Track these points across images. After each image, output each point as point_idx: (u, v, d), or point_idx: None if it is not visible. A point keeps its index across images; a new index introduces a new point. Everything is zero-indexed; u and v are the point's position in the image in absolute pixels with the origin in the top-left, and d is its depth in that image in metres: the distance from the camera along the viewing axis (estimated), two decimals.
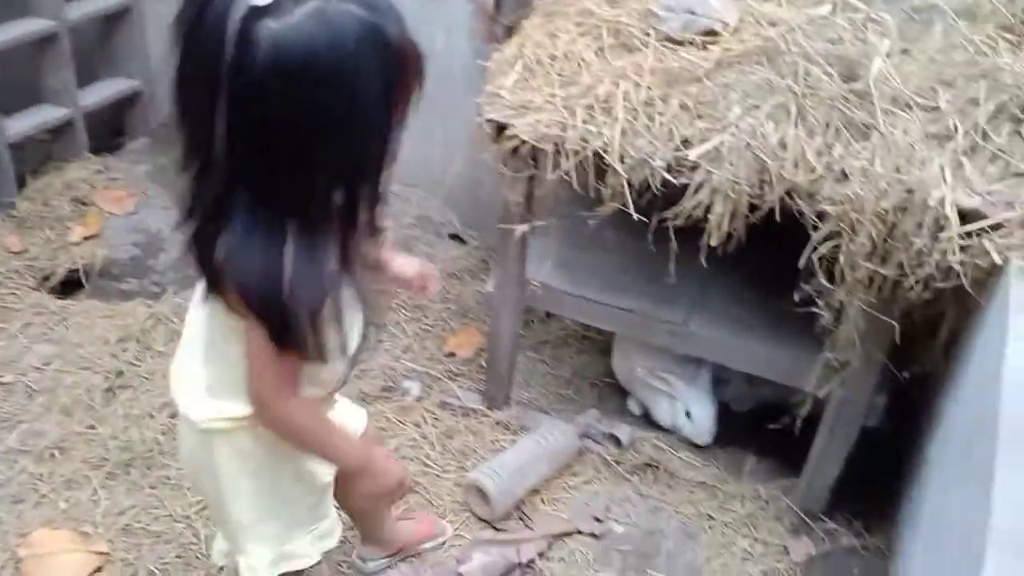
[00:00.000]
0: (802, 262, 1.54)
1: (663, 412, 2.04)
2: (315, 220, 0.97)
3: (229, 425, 1.19)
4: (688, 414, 2.00)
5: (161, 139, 2.94)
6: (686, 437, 2.03)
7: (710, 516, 1.87)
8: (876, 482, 1.88)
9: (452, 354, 2.27)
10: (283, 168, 0.94)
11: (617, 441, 2.00)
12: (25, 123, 2.54)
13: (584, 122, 1.68)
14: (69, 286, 2.39)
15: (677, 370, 1.99)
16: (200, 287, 1.10)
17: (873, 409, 1.74)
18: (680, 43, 1.79)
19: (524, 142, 1.70)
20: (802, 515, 1.86)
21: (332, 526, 1.38)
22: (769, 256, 1.82)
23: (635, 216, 1.61)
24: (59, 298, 2.33)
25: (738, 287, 1.94)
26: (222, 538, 1.47)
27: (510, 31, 2.42)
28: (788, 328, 1.76)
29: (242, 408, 1.15)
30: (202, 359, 1.19)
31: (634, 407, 2.14)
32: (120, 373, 2.12)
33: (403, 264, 1.41)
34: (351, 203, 0.99)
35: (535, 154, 1.74)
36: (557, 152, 1.69)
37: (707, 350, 1.90)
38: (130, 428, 1.97)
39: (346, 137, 0.94)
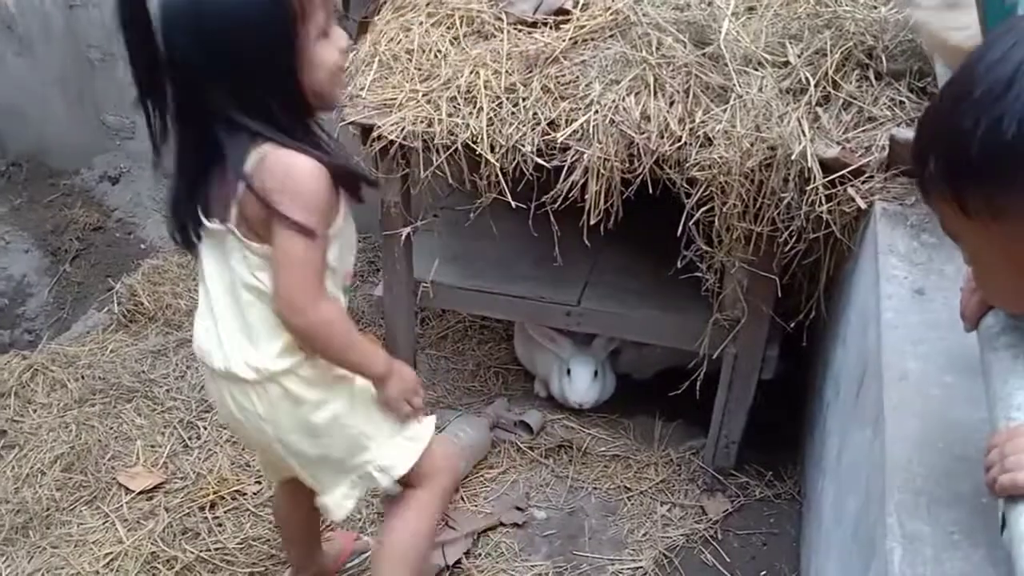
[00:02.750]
0: (680, 229, 1.56)
1: (554, 379, 2.04)
2: (279, 117, 1.15)
3: (284, 366, 1.24)
4: (569, 372, 2.00)
5: (14, 179, 2.78)
6: (567, 400, 2.02)
7: (627, 488, 1.90)
8: (780, 432, 1.94)
9: None
10: (236, 93, 1.13)
11: (528, 427, 2.01)
12: None
13: (450, 115, 1.66)
14: None
15: (569, 333, 1.99)
16: (206, 249, 1.24)
17: (767, 362, 1.79)
18: (533, 25, 1.78)
19: (392, 142, 1.67)
20: (714, 473, 1.90)
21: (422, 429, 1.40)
22: (653, 226, 1.84)
23: (513, 204, 1.61)
24: None
25: (626, 261, 1.96)
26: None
27: (363, 28, 2.38)
28: (678, 295, 1.78)
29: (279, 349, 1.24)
30: (234, 307, 1.24)
31: (540, 390, 2.15)
32: (3, 432, 2.00)
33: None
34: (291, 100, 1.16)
35: (405, 153, 1.71)
36: (427, 148, 1.66)
37: (603, 326, 1.92)
38: (21, 488, 1.87)
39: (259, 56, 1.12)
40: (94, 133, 2.92)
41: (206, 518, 1.83)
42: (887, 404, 1.07)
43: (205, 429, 2.04)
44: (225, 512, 1.85)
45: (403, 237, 1.82)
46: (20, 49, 2.87)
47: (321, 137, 1.22)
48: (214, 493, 1.87)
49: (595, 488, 1.90)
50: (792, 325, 1.74)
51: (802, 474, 1.85)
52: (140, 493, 1.88)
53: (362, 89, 1.75)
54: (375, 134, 1.67)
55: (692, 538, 1.78)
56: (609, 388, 2.04)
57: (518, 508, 1.85)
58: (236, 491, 1.89)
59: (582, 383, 1.99)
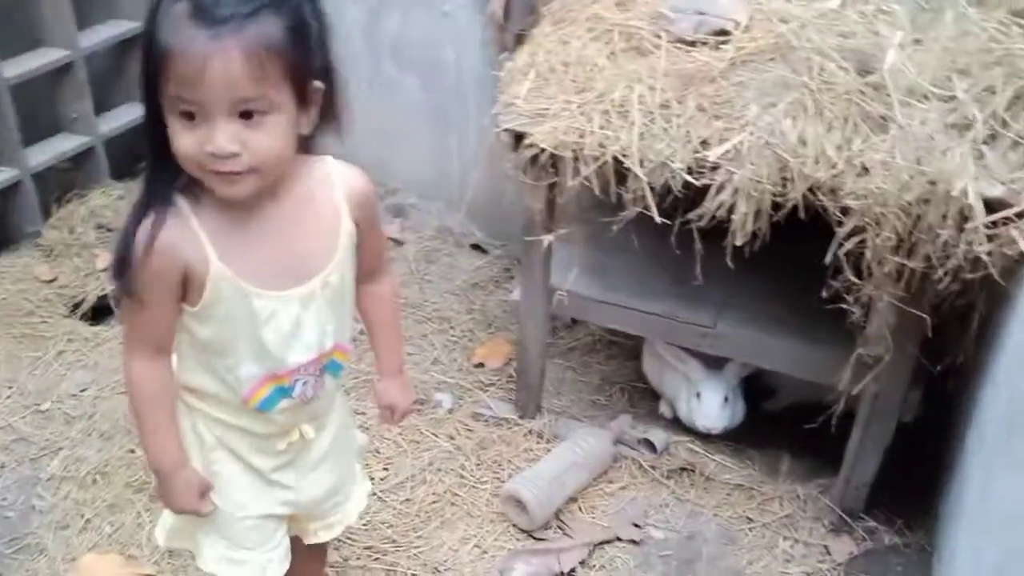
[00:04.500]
0: (828, 258, 1.53)
1: (681, 401, 2.02)
2: (147, 179, 1.10)
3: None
4: (698, 395, 1.97)
5: None
6: (695, 424, 1.99)
7: (749, 518, 1.86)
8: (915, 477, 1.87)
9: (481, 365, 2.28)
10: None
11: (651, 446, 2.00)
12: (47, 153, 2.57)
13: (601, 127, 1.68)
14: (100, 312, 2.41)
15: (700, 356, 1.97)
16: None
17: (908, 404, 1.72)
18: (692, 44, 1.78)
19: (543, 150, 1.71)
20: (842, 514, 1.84)
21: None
22: (796, 253, 1.81)
23: (658, 219, 1.61)
24: (91, 324, 2.37)
25: (766, 285, 1.93)
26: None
27: (520, 39, 2.43)
28: (818, 325, 1.74)
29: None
30: None
31: (665, 410, 2.13)
32: None
33: (386, 389, 1.41)
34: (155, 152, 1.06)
35: (554, 162, 1.74)
36: (576, 159, 1.69)
37: (737, 350, 1.89)
38: None
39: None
40: None
41: None
42: None
43: None
44: None
45: (544, 244, 1.85)
46: None
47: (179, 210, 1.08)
48: None
49: (715, 515, 1.87)
50: (939, 367, 1.68)
51: (936, 524, 1.77)
52: None
53: (517, 98, 1.79)
54: (527, 142, 1.71)
55: None
56: (738, 415, 2.00)
57: (635, 525, 1.84)
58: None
59: (712, 407, 1.96)
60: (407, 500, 1.89)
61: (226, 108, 0.98)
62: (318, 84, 1.06)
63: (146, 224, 1.06)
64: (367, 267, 1.25)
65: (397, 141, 2.86)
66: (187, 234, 1.08)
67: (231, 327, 1.13)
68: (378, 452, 2.01)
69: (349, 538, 1.79)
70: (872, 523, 1.84)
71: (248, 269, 1.10)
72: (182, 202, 1.08)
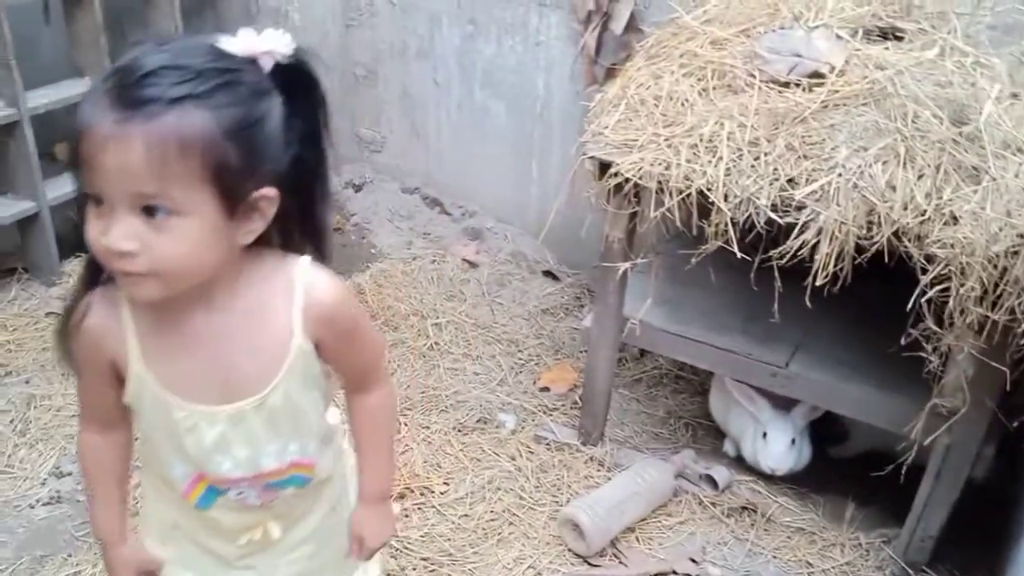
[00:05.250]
0: (910, 305, 1.52)
1: (747, 440, 2.01)
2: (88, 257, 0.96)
3: None
4: (764, 435, 1.96)
5: None
6: (759, 464, 1.98)
7: (809, 563, 1.84)
8: (981, 534, 1.82)
9: (546, 389, 2.30)
10: None
11: (713, 482, 1.99)
12: (65, 187, 2.46)
13: (688, 161, 1.70)
14: None
15: (769, 395, 1.96)
16: None
17: (981, 459, 1.69)
18: (786, 85, 1.79)
19: (628, 180, 1.73)
20: (905, 566, 1.80)
21: None
22: (874, 297, 1.80)
23: (739, 254, 1.62)
24: None
25: (842, 328, 1.92)
26: None
27: (610, 73, 2.48)
28: (894, 372, 1.73)
29: None
30: None
31: (730, 449, 2.12)
32: None
33: (361, 519, 1.20)
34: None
35: (638, 192, 1.77)
36: (660, 190, 1.71)
37: (809, 393, 1.88)
38: None
39: None
40: (347, 144, 3.19)
41: (395, 507, 1.93)
42: None
43: (406, 426, 2.16)
44: (413, 505, 1.94)
45: (620, 272, 1.87)
46: None
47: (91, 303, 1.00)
48: (404, 486, 1.98)
49: (775, 556, 1.85)
50: (1016, 423, 1.65)
51: None
52: None
53: (606, 127, 1.83)
54: (612, 170, 1.74)
55: None
56: (804, 459, 1.98)
57: (692, 560, 1.83)
58: (425, 488, 1.98)
59: (778, 448, 1.95)
60: (465, 515, 1.91)
61: (126, 200, 0.86)
62: (266, 192, 0.92)
63: (84, 303, 1.00)
64: (351, 380, 1.13)
65: (480, 165, 2.92)
66: (115, 325, 0.99)
67: (154, 427, 1.05)
68: (439, 467, 2.04)
69: (407, 548, 1.82)
70: None
71: (172, 376, 1.00)
72: (120, 292, 0.98)
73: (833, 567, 1.83)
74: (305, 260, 1.01)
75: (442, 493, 1.97)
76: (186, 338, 0.99)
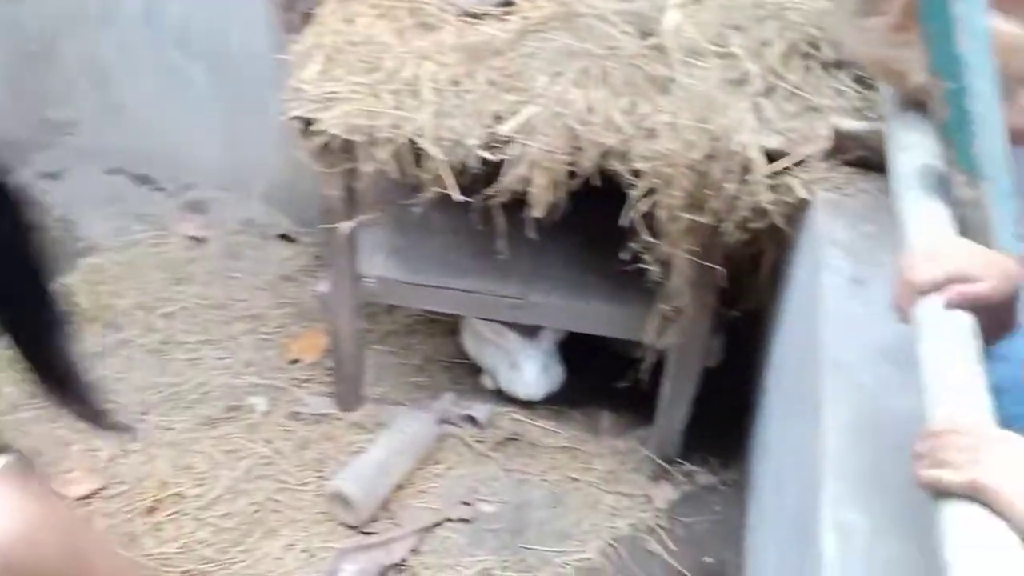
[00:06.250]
0: (624, 221, 1.57)
1: (501, 372, 2.04)
2: None
3: None
4: (517, 365, 1.99)
5: None
6: (516, 393, 2.02)
7: (574, 479, 1.90)
8: (728, 419, 1.96)
9: (296, 360, 2.19)
10: None
11: (475, 421, 2.00)
12: None
13: (394, 108, 1.64)
14: None
15: (515, 325, 1.98)
16: None
17: (711, 351, 1.80)
18: (479, 17, 1.76)
19: (334, 136, 1.65)
20: (660, 462, 1.91)
21: None
22: (599, 219, 1.84)
23: (457, 198, 1.59)
24: None
25: (573, 254, 1.95)
26: None
27: (307, 20, 2.34)
28: (625, 286, 1.79)
29: None
30: None
31: (488, 382, 2.14)
32: None
33: None
34: None
35: (348, 146, 1.69)
36: (370, 142, 1.64)
37: (550, 318, 1.92)
38: None
39: None
40: (35, 130, 2.83)
41: (147, 523, 1.80)
42: (823, 394, 1.08)
43: (146, 431, 1.99)
44: (166, 517, 1.81)
45: (345, 232, 1.80)
46: None
47: None
48: (154, 498, 1.83)
49: (543, 480, 1.90)
50: (737, 314, 1.76)
51: (747, 462, 1.87)
52: (78, 499, 1.82)
53: (304, 82, 1.72)
54: (316, 128, 1.65)
55: (638, 527, 1.80)
56: (558, 380, 2.03)
57: (465, 503, 1.84)
58: (177, 494, 1.85)
59: (531, 375, 1.98)
60: (226, 515, 1.80)
61: None
62: None
63: None
64: None
65: (189, 132, 2.69)
66: None
67: None
68: (190, 468, 1.90)
69: (166, 565, 1.69)
70: (690, 467, 1.92)
71: None
72: None
73: (597, 477, 1.90)
74: None
75: (197, 496, 1.84)
76: None
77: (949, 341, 0.83)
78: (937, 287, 0.86)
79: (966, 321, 0.85)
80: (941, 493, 0.73)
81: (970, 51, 0.97)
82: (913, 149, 1.10)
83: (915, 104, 1.16)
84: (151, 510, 1.81)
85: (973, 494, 0.71)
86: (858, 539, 0.92)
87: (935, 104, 1.08)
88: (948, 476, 0.72)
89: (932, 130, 1.14)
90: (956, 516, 0.72)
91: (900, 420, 1.01)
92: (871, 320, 1.16)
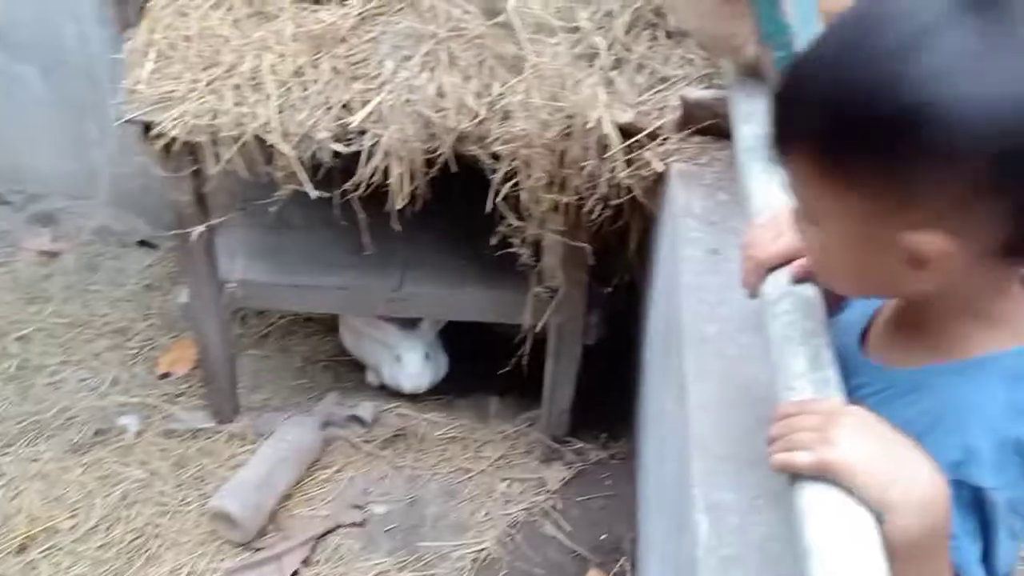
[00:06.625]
0: (490, 206, 1.53)
1: (384, 367, 1.99)
2: None
3: None
4: (399, 358, 1.95)
5: None
6: (401, 387, 1.98)
7: (466, 469, 1.87)
8: (614, 394, 1.96)
9: (167, 374, 2.09)
10: None
11: (361, 420, 1.95)
12: None
13: (236, 104, 1.56)
14: None
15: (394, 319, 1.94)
16: None
17: (590, 328, 1.79)
18: (318, 2, 1.69)
19: (175, 138, 1.55)
20: (550, 443, 1.90)
21: None
22: (469, 204, 1.80)
23: (313, 194, 1.53)
24: None
25: (444, 241, 1.90)
26: None
27: (144, 12, 2.20)
28: (499, 270, 1.75)
29: None
30: None
31: (372, 379, 2.09)
32: None
33: None
34: None
35: (192, 148, 1.60)
36: (214, 142, 1.56)
37: (426, 309, 1.88)
38: None
39: None
40: None
41: (19, 562, 1.69)
42: (688, 368, 1.08)
43: (10, 464, 1.87)
44: (39, 554, 1.70)
45: (202, 237, 1.70)
46: None
47: None
48: (25, 535, 1.72)
49: (435, 474, 1.87)
50: (611, 289, 1.76)
51: (634, 436, 1.88)
52: None
53: (139, 83, 1.62)
54: (154, 132, 1.55)
55: (533, 511, 1.79)
56: (442, 370, 2.00)
57: (356, 506, 1.79)
58: (49, 528, 1.74)
59: (413, 367, 1.94)
60: (103, 545, 1.72)
61: None
62: None
63: None
64: None
65: (28, 139, 2.52)
66: None
67: None
68: (61, 500, 1.79)
69: None
70: (579, 444, 1.92)
71: None
72: None
73: (489, 465, 1.88)
74: None
75: (71, 529, 1.74)
76: None
77: (794, 318, 0.82)
78: (782, 260, 0.86)
79: (811, 294, 0.84)
80: (795, 476, 0.73)
81: (796, 18, 0.97)
82: (755, 119, 1.09)
83: (753, 75, 1.15)
84: (22, 548, 1.71)
85: (824, 474, 0.70)
86: (732, 518, 0.92)
87: (768, 73, 1.08)
88: (799, 458, 0.71)
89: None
90: (811, 499, 0.71)
91: (765, 391, 1.01)
92: (730, 290, 1.16)
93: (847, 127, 0.63)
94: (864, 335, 0.83)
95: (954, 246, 0.63)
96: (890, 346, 0.79)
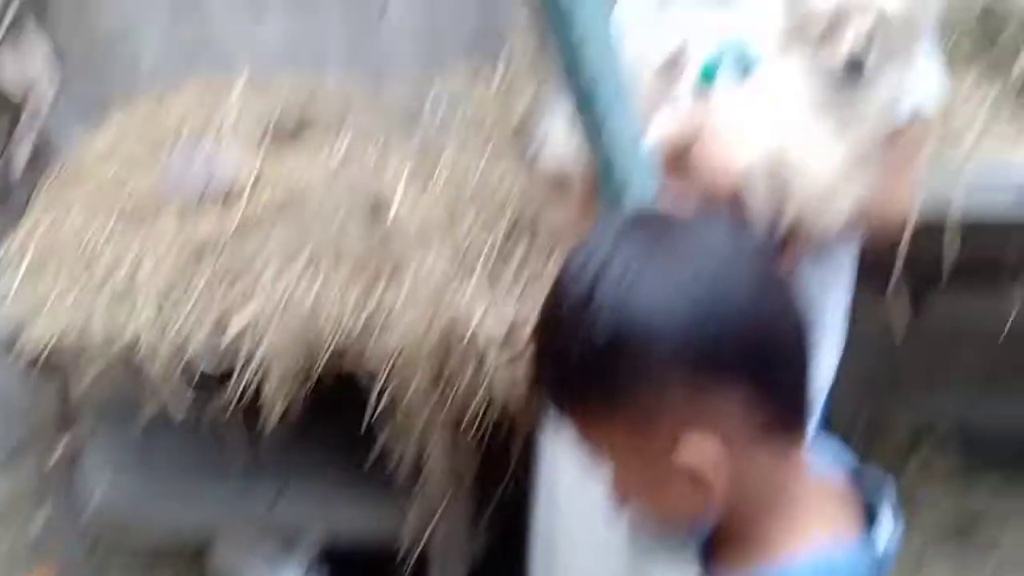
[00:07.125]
0: (365, 424, 1.48)
1: None
2: None
3: None
4: None
5: None
6: None
7: None
8: None
9: None
10: None
11: None
12: None
13: (107, 315, 1.51)
14: None
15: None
16: None
17: (476, 535, 1.72)
18: (202, 207, 1.68)
19: (39, 353, 1.49)
20: None
21: None
22: (349, 415, 1.74)
23: (179, 418, 1.46)
24: None
25: (326, 455, 1.81)
26: None
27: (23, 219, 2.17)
28: (381, 484, 1.68)
29: None
30: None
31: None
32: None
33: None
34: None
35: (57, 363, 1.52)
36: (80, 358, 1.49)
37: (304, 532, 1.77)
38: None
39: None
40: None
41: None
42: None
43: None
44: None
45: (65, 458, 1.60)
46: None
47: None
48: None
49: None
50: (501, 496, 1.70)
51: None
52: None
53: (10, 290, 1.56)
54: (17, 349, 1.48)
55: None
56: None
57: None
58: None
59: None
60: None
61: None
62: None
63: None
64: None
65: None
66: None
67: None
68: None
69: None
70: None
71: None
72: None
73: None
74: None
75: None
76: None
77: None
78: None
79: None
80: None
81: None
82: None
83: None
84: None
85: None
86: None
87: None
88: None
89: None
90: None
91: None
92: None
93: (577, 378, 0.67)
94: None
95: (715, 445, 0.64)
96: (728, 558, 0.76)
